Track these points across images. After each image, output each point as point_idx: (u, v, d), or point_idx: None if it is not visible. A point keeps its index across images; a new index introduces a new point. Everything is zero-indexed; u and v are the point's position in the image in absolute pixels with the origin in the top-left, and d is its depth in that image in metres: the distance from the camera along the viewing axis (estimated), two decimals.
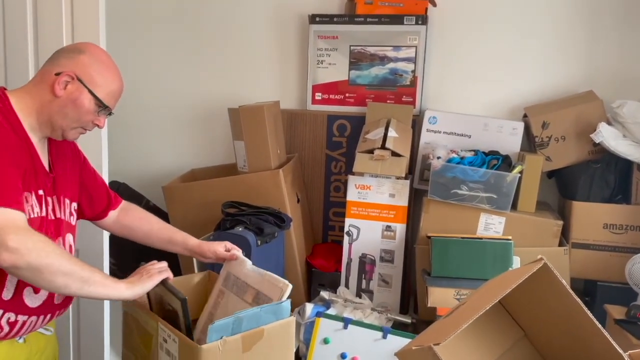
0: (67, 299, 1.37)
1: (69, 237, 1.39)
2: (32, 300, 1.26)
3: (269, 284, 1.19)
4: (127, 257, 2.45)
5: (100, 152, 2.19)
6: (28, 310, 1.26)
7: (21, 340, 1.30)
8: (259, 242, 1.96)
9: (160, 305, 1.24)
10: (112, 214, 1.56)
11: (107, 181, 2.23)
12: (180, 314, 1.13)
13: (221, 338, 1.02)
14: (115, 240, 2.36)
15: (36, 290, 1.26)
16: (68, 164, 1.40)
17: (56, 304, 1.33)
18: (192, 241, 1.51)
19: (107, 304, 2.24)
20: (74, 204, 1.42)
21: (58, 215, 1.33)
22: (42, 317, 1.30)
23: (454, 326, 0.92)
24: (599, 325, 0.94)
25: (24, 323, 1.26)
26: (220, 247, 1.46)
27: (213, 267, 1.90)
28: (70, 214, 1.39)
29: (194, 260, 1.96)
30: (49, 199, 1.30)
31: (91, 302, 2.22)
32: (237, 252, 1.45)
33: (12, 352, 1.28)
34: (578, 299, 0.93)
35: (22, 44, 2.19)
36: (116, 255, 2.38)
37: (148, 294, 1.26)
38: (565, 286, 0.94)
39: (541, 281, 0.98)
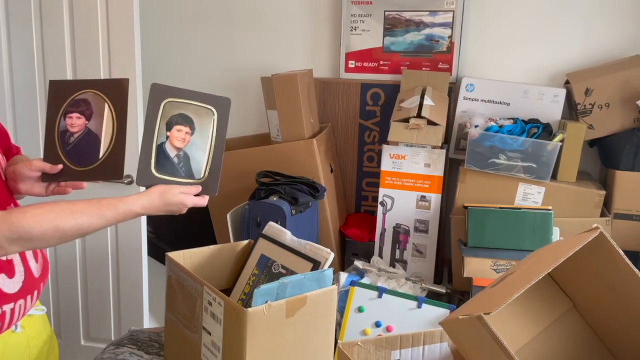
0: (45, 269, 1.32)
1: None
2: (9, 286, 1.21)
3: (312, 253, 1.19)
4: (164, 225, 2.49)
5: (136, 124, 2.21)
6: (10, 298, 1.21)
7: (18, 330, 1.27)
8: (293, 212, 1.96)
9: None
10: None
11: None
12: None
13: (266, 302, 1.02)
14: None
15: (10, 275, 1.21)
16: None
17: (36, 278, 1.28)
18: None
19: (145, 270, 2.29)
20: None
21: None
22: (28, 297, 1.26)
23: (504, 296, 0.90)
24: None
25: (12, 311, 1.22)
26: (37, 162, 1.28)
27: (249, 235, 1.92)
28: None
29: (230, 231, 1.97)
30: None
31: (130, 267, 2.28)
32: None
33: (12, 343, 1.25)
34: (637, 270, 0.90)
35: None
36: (154, 224, 2.42)
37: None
38: (622, 256, 0.91)
39: (594, 251, 0.94)
